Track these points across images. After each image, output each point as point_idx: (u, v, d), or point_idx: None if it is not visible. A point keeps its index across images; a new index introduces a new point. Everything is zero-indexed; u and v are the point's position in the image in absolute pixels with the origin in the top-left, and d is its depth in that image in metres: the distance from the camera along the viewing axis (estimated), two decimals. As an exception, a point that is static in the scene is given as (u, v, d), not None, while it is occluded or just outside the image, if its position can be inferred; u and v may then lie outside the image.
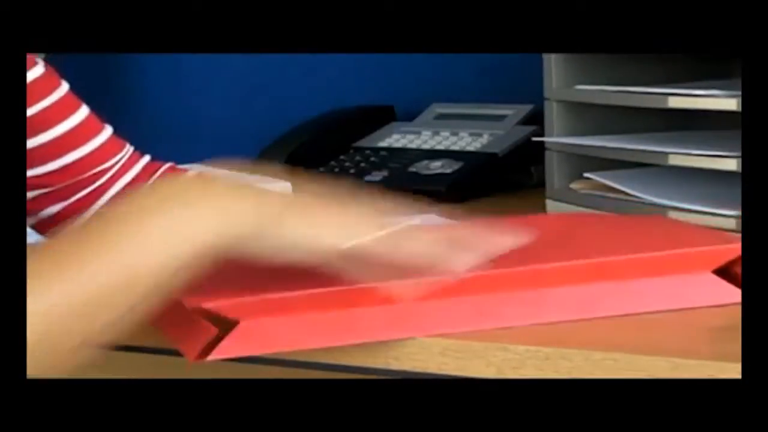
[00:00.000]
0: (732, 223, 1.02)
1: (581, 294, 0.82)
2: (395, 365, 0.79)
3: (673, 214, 1.06)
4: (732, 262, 0.84)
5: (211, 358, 0.76)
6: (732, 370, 0.72)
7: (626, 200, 1.12)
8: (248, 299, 0.77)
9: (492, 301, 0.81)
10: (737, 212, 1.01)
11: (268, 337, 0.78)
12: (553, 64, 1.21)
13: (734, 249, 0.84)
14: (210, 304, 0.77)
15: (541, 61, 1.22)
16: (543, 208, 1.23)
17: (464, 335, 0.78)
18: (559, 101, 1.22)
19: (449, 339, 0.78)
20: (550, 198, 1.23)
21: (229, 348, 0.77)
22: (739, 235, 0.85)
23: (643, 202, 1.10)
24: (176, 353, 0.81)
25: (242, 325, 0.77)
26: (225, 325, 0.77)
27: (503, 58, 1.46)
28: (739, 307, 0.80)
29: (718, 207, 1.03)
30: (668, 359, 0.73)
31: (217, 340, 0.77)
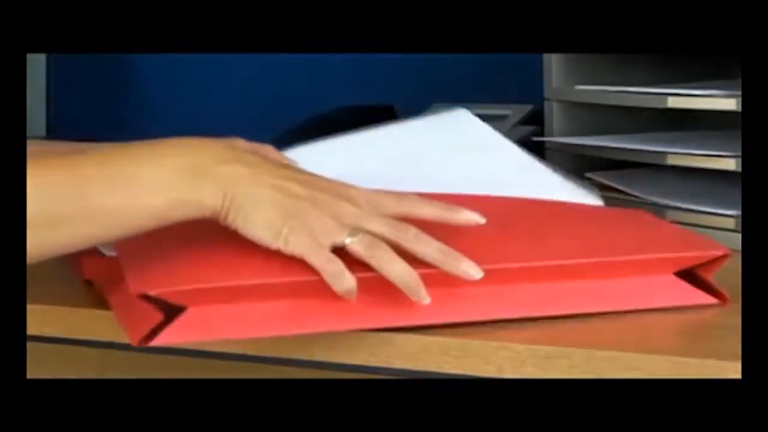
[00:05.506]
0: (731, 223, 1.02)
1: (540, 292, 0.82)
2: (396, 364, 0.79)
3: (672, 214, 1.06)
4: (697, 266, 0.84)
5: (154, 343, 0.76)
6: (732, 370, 0.72)
7: (626, 200, 1.12)
8: (194, 286, 0.77)
9: (449, 296, 0.80)
10: (736, 212, 1.01)
11: (214, 324, 0.77)
12: (553, 64, 1.21)
13: (698, 256, 0.84)
14: (156, 290, 0.76)
15: (541, 61, 1.22)
16: (543, 208, 1.23)
17: (465, 334, 0.78)
18: (559, 101, 1.22)
19: (450, 338, 0.78)
20: (550, 198, 1.23)
21: (173, 334, 0.77)
22: (712, 242, 0.86)
23: (642, 202, 1.10)
24: (172, 352, 0.82)
25: (189, 311, 0.77)
26: (171, 312, 0.77)
27: (503, 58, 1.46)
28: (734, 307, 0.80)
29: (717, 207, 1.03)
30: (668, 359, 0.73)
31: (162, 326, 0.77)
